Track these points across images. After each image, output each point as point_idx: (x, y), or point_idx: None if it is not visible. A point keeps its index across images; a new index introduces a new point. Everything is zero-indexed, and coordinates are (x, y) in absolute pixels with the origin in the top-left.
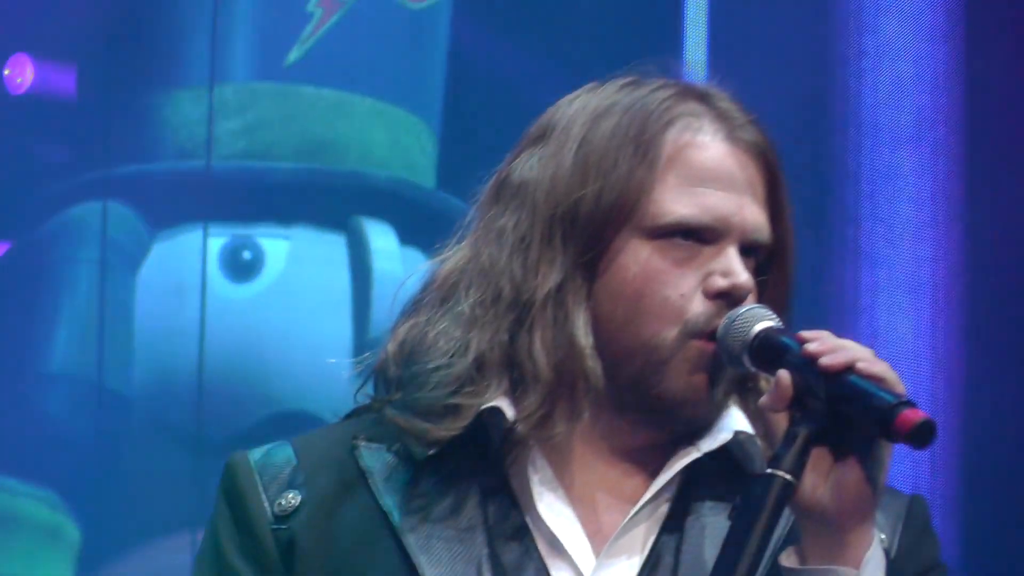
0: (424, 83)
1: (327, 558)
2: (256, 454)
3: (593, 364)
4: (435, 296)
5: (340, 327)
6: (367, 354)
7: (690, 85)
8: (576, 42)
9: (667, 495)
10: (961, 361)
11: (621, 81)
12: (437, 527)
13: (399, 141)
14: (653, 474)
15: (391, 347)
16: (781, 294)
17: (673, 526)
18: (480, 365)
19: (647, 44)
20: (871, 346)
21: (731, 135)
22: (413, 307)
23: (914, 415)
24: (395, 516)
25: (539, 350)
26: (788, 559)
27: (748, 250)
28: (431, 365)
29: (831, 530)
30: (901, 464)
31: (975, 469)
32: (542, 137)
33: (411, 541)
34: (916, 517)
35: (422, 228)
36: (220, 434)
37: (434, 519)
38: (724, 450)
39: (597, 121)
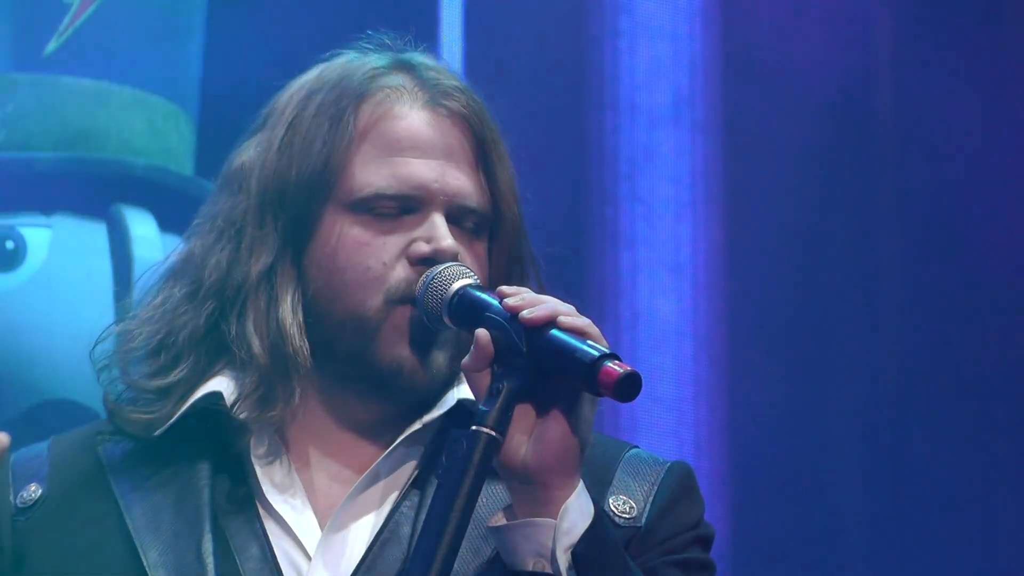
0: (181, 71)
1: (60, 552)
2: (17, 452)
3: (301, 343)
4: (150, 295)
5: (102, 315)
6: (95, 347)
7: (400, 57)
8: (335, 23)
9: (409, 467)
10: (723, 340)
11: (340, 59)
12: (165, 509)
13: (157, 129)
14: (385, 448)
15: (110, 346)
16: (509, 261)
17: (415, 496)
18: (177, 354)
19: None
20: (633, 327)
21: (431, 102)
22: (135, 308)
23: (618, 368)
24: (124, 502)
25: (251, 333)
26: (495, 520)
27: (457, 217)
28: (136, 356)
29: (534, 486)
30: (664, 443)
31: (739, 447)
32: (263, 124)
33: (138, 522)
34: (671, 483)
35: (181, 214)
36: None
37: (163, 501)
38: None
39: (305, 101)
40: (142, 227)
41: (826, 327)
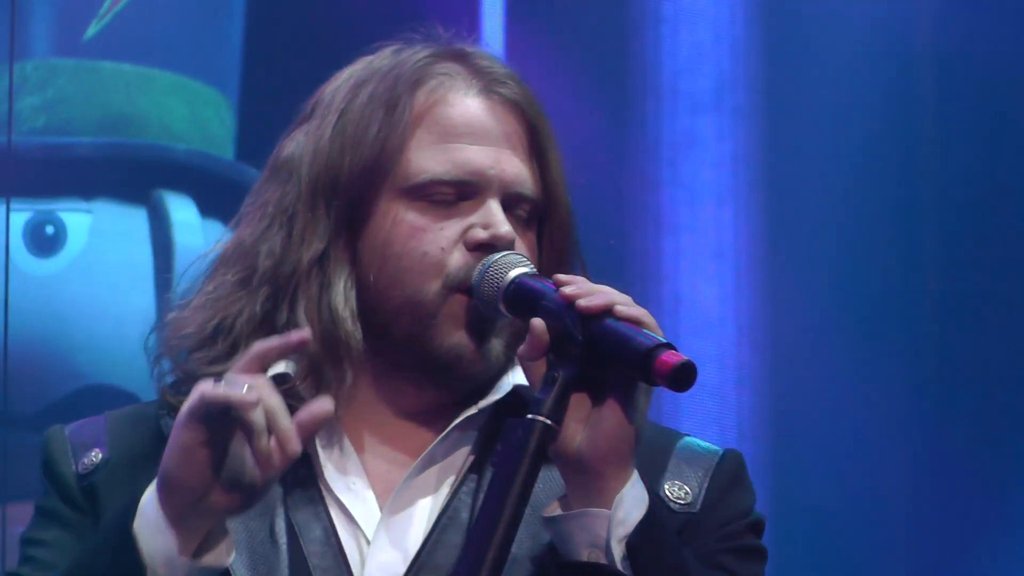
0: (221, 55)
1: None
2: (71, 425)
3: (354, 328)
4: (200, 283)
5: (143, 300)
6: (147, 337)
7: (451, 47)
8: (373, 10)
9: (464, 451)
10: (765, 326)
11: (388, 50)
12: None
13: (198, 114)
14: (438, 434)
15: (163, 334)
16: (560, 250)
17: (472, 482)
18: (235, 339)
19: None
20: (675, 313)
21: (486, 90)
22: (184, 297)
23: (674, 357)
24: None
25: (303, 319)
26: (550, 509)
27: (512, 204)
28: (190, 343)
29: (589, 475)
30: (707, 430)
31: (782, 434)
32: (311, 114)
33: None
34: (725, 470)
35: (222, 200)
36: (27, 409)
37: None
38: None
39: (356, 90)
40: (183, 212)
41: (869, 312)
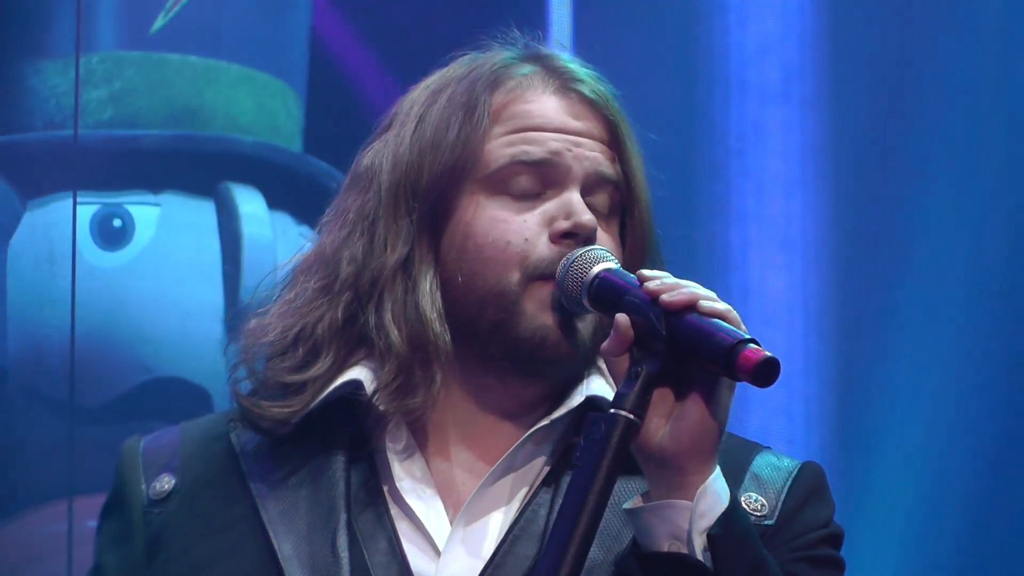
0: (288, 47)
1: (194, 546)
2: (147, 438)
3: (442, 329)
4: (281, 290)
5: (211, 292)
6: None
7: (527, 51)
8: (439, 8)
9: (540, 461)
10: (833, 316)
11: (464, 58)
12: (300, 501)
13: (265, 106)
14: (519, 438)
15: (242, 342)
16: (642, 245)
17: (547, 493)
18: (315, 346)
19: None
20: (743, 303)
21: (563, 88)
22: (264, 303)
23: (757, 353)
24: (258, 493)
25: (389, 323)
26: (633, 502)
27: (592, 188)
28: (269, 350)
29: (672, 470)
30: (775, 419)
31: (849, 425)
32: (389, 124)
33: (272, 514)
34: (803, 483)
35: (289, 192)
36: (93, 402)
37: (297, 492)
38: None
39: (434, 97)
40: (250, 204)
41: (937, 303)
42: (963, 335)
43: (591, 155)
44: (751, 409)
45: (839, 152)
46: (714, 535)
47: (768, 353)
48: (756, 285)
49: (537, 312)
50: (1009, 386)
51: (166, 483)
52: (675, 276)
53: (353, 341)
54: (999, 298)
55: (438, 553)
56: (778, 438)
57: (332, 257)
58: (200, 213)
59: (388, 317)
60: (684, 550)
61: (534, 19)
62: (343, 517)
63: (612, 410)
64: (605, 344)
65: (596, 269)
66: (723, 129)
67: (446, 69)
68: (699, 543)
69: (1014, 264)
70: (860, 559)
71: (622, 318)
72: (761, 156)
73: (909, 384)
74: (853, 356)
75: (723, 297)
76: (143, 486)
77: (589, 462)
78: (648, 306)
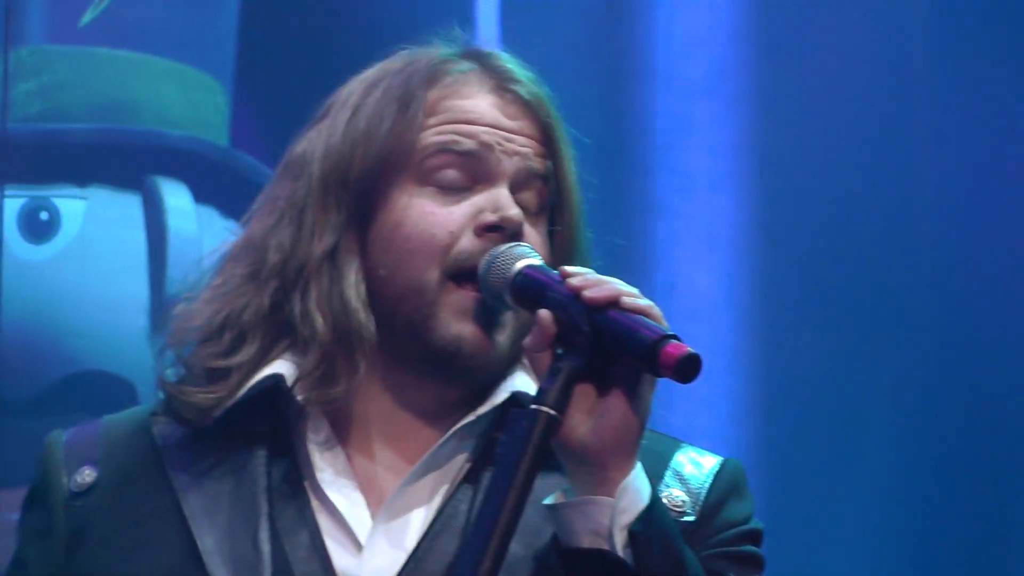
0: (216, 41)
1: (115, 538)
2: (70, 431)
3: (365, 318)
4: (207, 278)
5: (137, 286)
6: (152, 330)
7: (466, 48)
8: (367, 5)
9: (462, 459)
10: (758, 312)
11: (403, 52)
12: (222, 495)
13: (192, 100)
14: (440, 437)
15: (170, 327)
16: (569, 244)
17: (468, 490)
18: (241, 332)
19: None
20: (669, 299)
21: (499, 87)
22: (192, 290)
23: (679, 349)
24: (180, 487)
25: (314, 311)
26: (553, 499)
27: (521, 184)
28: (196, 335)
29: (593, 466)
30: (699, 415)
31: (774, 423)
32: (325, 114)
33: (194, 508)
34: (724, 478)
35: (216, 186)
36: (19, 395)
37: (219, 485)
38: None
39: (370, 89)
40: (177, 198)
41: (862, 300)
42: (889, 328)
43: (522, 151)
44: (675, 404)
45: (766, 148)
46: (635, 531)
47: (690, 349)
48: (682, 281)
49: (453, 321)
50: (933, 385)
51: (88, 476)
52: (600, 273)
53: (279, 328)
54: (927, 293)
55: (359, 548)
56: (702, 434)
57: (260, 244)
58: (127, 207)
59: (313, 305)
60: (605, 546)
61: (462, 12)
62: (264, 511)
63: (533, 406)
64: (527, 340)
65: (519, 265)
66: (648, 124)
67: (384, 62)
68: (620, 539)
69: (944, 259)
70: (780, 555)
71: (544, 314)
72: (688, 152)
73: (833, 379)
74: (778, 352)
75: (649, 293)
76: (65, 479)
77: (510, 458)
78: (571, 302)
